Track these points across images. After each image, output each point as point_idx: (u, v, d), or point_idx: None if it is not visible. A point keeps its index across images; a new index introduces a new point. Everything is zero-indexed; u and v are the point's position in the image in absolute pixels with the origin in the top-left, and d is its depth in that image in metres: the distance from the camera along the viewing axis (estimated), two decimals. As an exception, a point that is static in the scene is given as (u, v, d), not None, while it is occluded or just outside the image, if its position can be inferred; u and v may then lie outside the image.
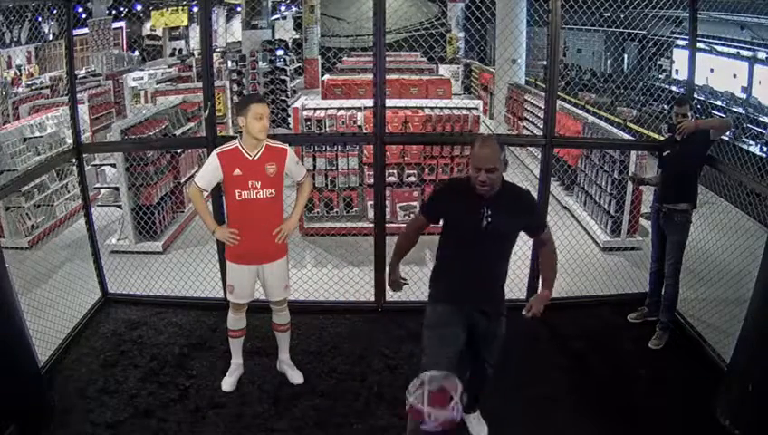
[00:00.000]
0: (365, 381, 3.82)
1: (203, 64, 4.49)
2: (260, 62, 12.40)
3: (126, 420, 3.44)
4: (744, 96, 11.80)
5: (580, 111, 8.03)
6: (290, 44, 18.28)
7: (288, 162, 3.44)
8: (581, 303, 4.77)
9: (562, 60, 15.74)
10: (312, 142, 6.18)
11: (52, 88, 11.17)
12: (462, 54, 19.36)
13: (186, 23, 19.37)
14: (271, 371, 3.87)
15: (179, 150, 6.71)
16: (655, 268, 4.40)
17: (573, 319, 4.58)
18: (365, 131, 6.06)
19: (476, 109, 6.47)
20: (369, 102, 4.53)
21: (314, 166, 6.30)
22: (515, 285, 4.06)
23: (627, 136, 6.72)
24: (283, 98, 12.38)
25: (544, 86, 4.60)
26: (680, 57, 12.56)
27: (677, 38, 11.62)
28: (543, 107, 4.49)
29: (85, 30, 13.84)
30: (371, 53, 4.41)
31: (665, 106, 10.37)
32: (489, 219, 2.75)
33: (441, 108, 6.49)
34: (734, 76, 12.16)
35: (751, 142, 10.06)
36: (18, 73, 16.08)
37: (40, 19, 16.41)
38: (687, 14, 4.56)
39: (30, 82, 14.23)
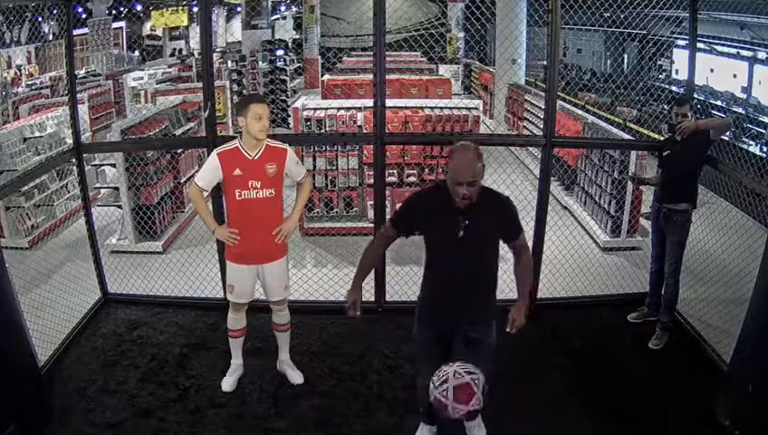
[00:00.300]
0: (365, 381, 3.82)
1: (203, 64, 4.49)
2: (260, 62, 12.40)
3: (126, 420, 3.44)
4: (744, 96, 11.79)
5: (580, 111, 8.04)
6: (290, 44, 18.27)
7: (288, 162, 3.44)
8: (581, 303, 4.77)
9: (562, 60, 15.74)
10: (312, 142, 6.18)
11: (52, 88, 11.17)
12: (462, 54, 19.36)
13: (186, 23, 19.38)
14: (271, 371, 3.87)
15: (179, 150, 6.71)
16: (655, 268, 4.40)
17: (573, 319, 4.59)
18: (365, 131, 6.06)
19: (476, 109, 6.47)
20: (369, 102, 4.53)
21: (314, 166, 6.30)
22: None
23: (627, 136, 6.72)
24: (283, 98, 12.38)
25: (544, 86, 4.60)
26: (680, 57, 12.54)
27: (677, 38, 11.61)
28: (543, 107, 4.49)
29: (85, 30, 13.82)
30: (371, 52, 4.41)
31: (665, 106, 10.37)
32: (466, 230, 2.66)
33: (441, 108, 6.49)
34: (734, 76, 12.15)
35: (751, 142, 10.05)
36: (18, 73, 16.08)
37: (40, 19, 16.41)
38: (687, 14, 4.56)
39: (30, 82, 14.24)
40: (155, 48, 22.61)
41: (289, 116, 11.28)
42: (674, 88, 11.64)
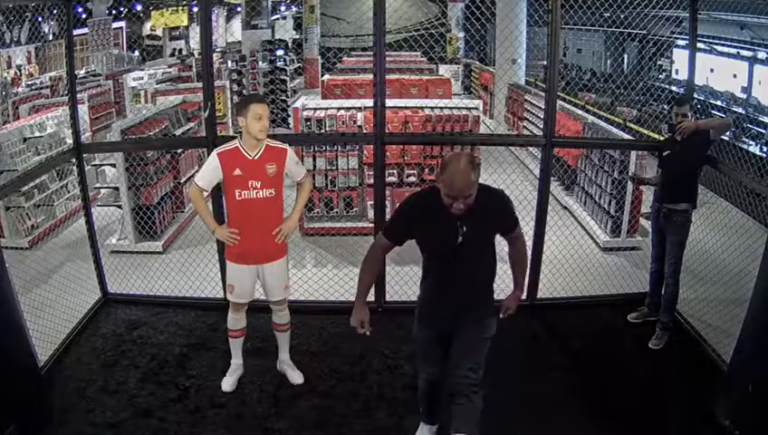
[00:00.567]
0: (365, 381, 3.82)
1: (203, 64, 4.49)
2: (260, 62, 12.41)
3: (126, 420, 3.44)
4: (744, 96, 11.79)
5: (580, 111, 8.04)
6: (290, 44, 18.27)
7: (288, 162, 3.44)
8: (581, 303, 4.77)
9: (562, 60, 15.74)
10: (312, 142, 6.18)
11: (52, 88, 11.17)
12: (462, 54, 19.36)
13: (186, 23, 19.38)
14: (271, 371, 3.87)
15: (179, 150, 6.71)
16: (655, 268, 4.40)
17: (573, 319, 4.59)
18: (365, 131, 6.06)
19: (476, 109, 6.47)
20: (369, 102, 4.53)
21: (314, 166, 6.30)
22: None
23: (627, 136, 6.72)
24: (283, 98, 12.38)
25: (544, 86, 4.60)
26: (680, 57, 12.55)
27: (677, 38, 11.61)
28: (543, 107, 4.49)
29: (85, 30, 13.83)
30: (371, 52, 4.41)
31: (665, 106, 10.37)
32: (464, 236, 2.62)
33: (441, 108, 6.49)
34: (734, 76, 12.15)
35: (751, 142, 10.05)
36: (18, 73, 16.08)
37: (40, 19, 16.41)
38: (687, 14, 4.56)
39: (30, 82, 14.24)
40: (155, 48, 22.62)
41: (289, 116, 11.28)
42: (674, 88, 11.64)
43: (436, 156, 6.30)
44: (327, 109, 6.49)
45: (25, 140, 6.59)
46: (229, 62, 14.75)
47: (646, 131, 9.31)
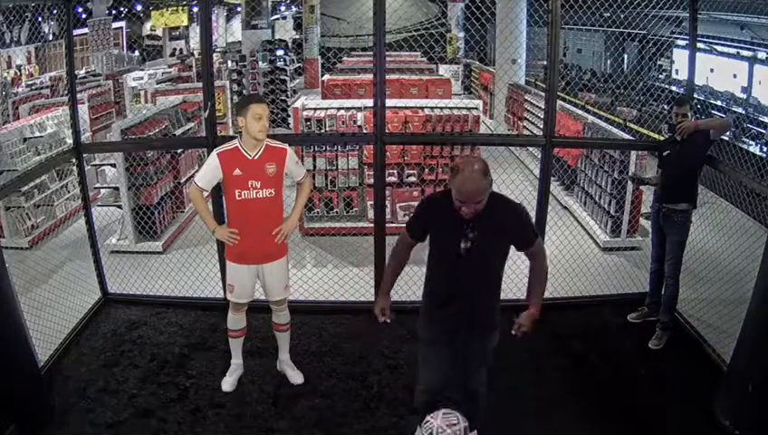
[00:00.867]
0: (365, 381, 3.82)
1: (203, 64, 4.49)
2: (260, 62, 12.40)
3: (126, 420, 3.44)
4: (744, 96, 11.80)
5: (580, 111, 8.03)
6: (290, 44, 18.28)
7: (288, 162, 3.44)
8: (581, 303, 4.77)
9: (562, 60, 15.75)
10: (312, 142, 6.18)
11: (52, 88, 11.16)
12: (462, 54, 19.37)
13: (186, 23, 19.38)
14: (271, 371, 3.87)
15: (179, 150, 6.71)
16: (655, 268, 4.40)
17: (573, 319, 4.59)
18: (365, 131, 6.05)
19: (476, 109, 6.47)
20: (369, 102, 4.53)
21: (314, 166, 6.30)
22: (515, 285, 4.06)
23: (627, 136, 6.72)
24: (283, 98, 12.38)
25: (544, 86, 4.60)
26: (680, 57, 12.55)
27: (677, 38, 11.62)
28: (543, 107, 4.49)
29: (85, 30, 13.84)
30: (371, 53, 4.41)
31: (665, 106, 10.37)
32: (471, 241, 2.61)
33: (441, 108, 6.49)
34: (734, 76, 12.15)
35: (751, 142, 10.06)
36: (18, 73, 16.08)
37: (40, 19, 16.40)
38: (687, 14, 4.56)
39: (30, 82, 14.22)
40: (155, 48, 22.63)
41: (289, 116, 11.28)
42: (674, 88, 11.64)
43: (436, 156, 6.31)
44: (327, 109, 6.49)
45: (25, 140, 6.59)
46: (229, 62, 14.74)
47: (646, 131, 9.31)
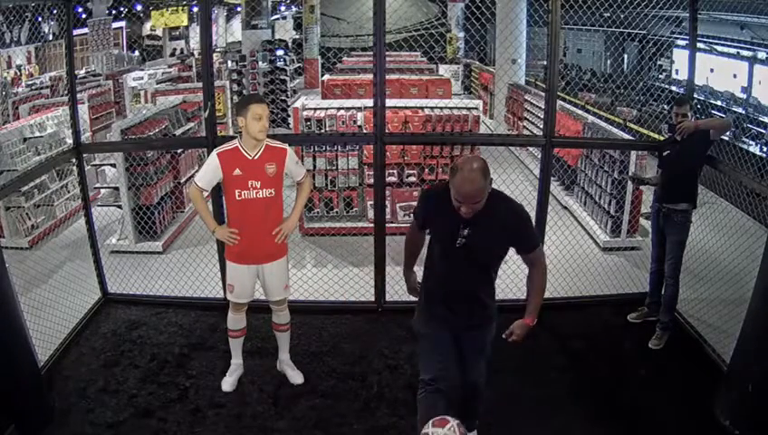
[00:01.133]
0: (365, 381, 3.82)
1: (203, 64, 4.49)
2: (260, 62, 12.40)
3: (126, 420, 3.44)
4: (744, 96, 11.80)
5: (580, 111, 8.03)
6: (290, 44, 18.28)
7: (288, 162, 3.44)
8: (581, 303, 4.77)
9: (562, 60, 15.75)
10: (312, 142, 6.18)
11: (52, 88, 11.15)
12: (462, 54, 19.37)
13: (186, 23, 19.39)
14: (271, 371, 3.87)
15: (179, 150, 6.71)
16: (655, 268, 4.40)
17: (573, 319, 4.59)
18: (365, 131, 6.06)
19: (476, 109, 6.47)
20: (369, 102, 4.53)
21: (314, 166, 6.30)
22: (515, 285, 4.06)
23: (627, 136, 6.72)
24: (283, 98, 12.38)
25: (544, 86, 4.60)
26: (680, 57, 12.56)
27: (677, 38, 11.62)
28: (543, 107, 4.49)
29: (85, 30, 13.84)
30: (371, 53, 4.41)
31: (665, 106, 10.37)
32: (465, 238, 2.60)
33: (441, 108, 6.49)
34: (734, 76, 12.16)
35: (751, 142, 10.06)
36: (18, 73, 16.08)
37: (40, 19, 16.40)
38: (687, 14, 4.56)
39: (30, 82, 14.22)
40: (155, 48, 22.63)
41: (289, 116, 11.28)
42: (674, 88, 11.65)
43: (436, 156, 6.31)
44: (327, 109, 6.49)
45: (25, 140, 6.59)
46: (229, 62, 14.74)
47: (646, 131, 9.31)
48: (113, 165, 6.14)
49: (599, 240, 6.19)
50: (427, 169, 6.32)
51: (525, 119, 9.89)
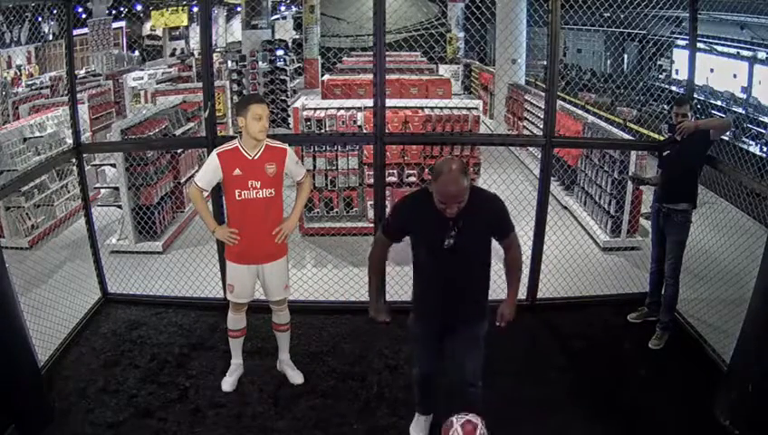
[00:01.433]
0: (365, 381, 3.82)
1: (203, 64, 4.49)
2: (260, 62, 12.41)
3: (126, 420, 3.44)
4: (744, 96, 11.80)
5: (580, 111, 8.04)
6: (290, 44, 18.29)
7: (288, 162, 3.44)
8: (581, 303, 4.77)
9: (562, 60, 15.75)
10: (312, 142, 6.18)
11: (52, 88, 11.16)
12: (462, 54, 19.37)
13: (186, 23, 19.39)
14: (271, 371, 3.87)
15: (179, 150, 6.71)
16: (655, 268, 4.40)
17: (573, 319, 4.58)
18: (365, 131, 6.05)
19: (476, 109, 6.47)
20: (369, 102, 4.53)
21: (314, 166, 6.30)
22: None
23: (627, 136, 6.72)
24: (283, 98, 12.38)
25: (544, 86, 4.60)
26: (680, 57, 12.56)
27: (677, 38, 11.62)
28: (543, 107, 4.49)
29: (85, 30, 13.84)
30: (371, 53, 4.41)
31: (665, 106, 10.37)
32: (455, 237, 2.67)
33: (441, 108, 6.49)
34: (734, 76, 12.16)
35: (751, 142, 10.06)
36: (18, 73, 16.08)
37: (40, 19, 16.41)
38: (687, 14, 4.56)
39: (30, 82, 14.22)
40: (155, 48, 22.63)
41: (289, 116, 11.28)
42: (674, 88, 11.65)
43: (436, 156, 6.29)
44: (327, 109, 6.49)
45: (25, 140, 6.59)
46: (229, 62, 14.75)
47: (646, 131, 9.31)
48: (113, 165, 6.14)
49: (599, 240, 6.19)
50: (427, 169, 6.31)
51: (525, 119, 9.89)
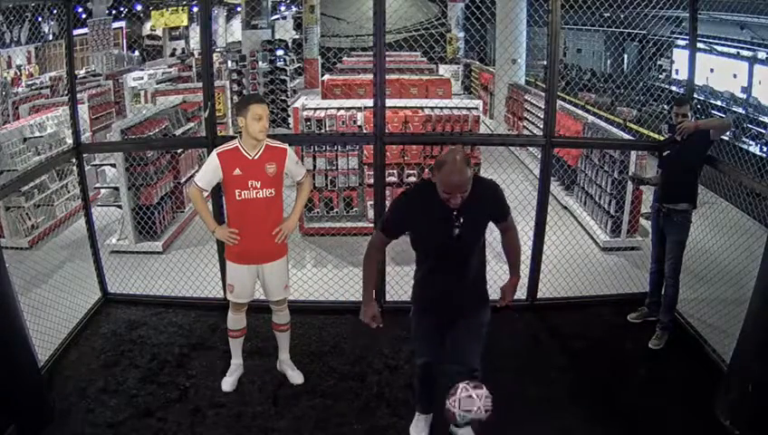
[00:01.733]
0: (365, 381, 3.82)
1: (203, 64, 4.49)
2: (260, 62, 12.41)
3: (126, 420, 3.44)
4: (744, 96, 11.80)
5: (580, 111, 8.04)
6: (290, 44, 18.28)
7: (288, 162, 3.44)
8: (581, 303, 4.77)
9: (562, 60, 15.75)
10: (312, 142, 6.18)
11: (52, 88, 11.16)
12: (462, 54, 19.37)
13: (186, 23, 19.39)
14: (271, 371, 3.87)
15: (179, 150, 6.71)
16: (655, 268, 4.40)
17: (573, 319, 4.58)
18: (365, 131, 6.06)
19: (476, 109, 6.47)
20: (369, 102, 4.53)
21: (314, 166, 6.30)
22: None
23: (627, 136, 6.72)
24: (283, 98, 12.38)
25: (544, 86, 4.60)
26: (680, 57, 12.56)
27: (677, 38, 11.62)
28: (543, 107, 4.49)
29: (85, 30, 13.83)
30: (371, 53, 4.41)
31: (665, 106, 10.37)
32: (460, 227, 2.70)
33: (441, 108, 6.49)
34: (734, 76, 12.16)
35: (751, 142, 10.06)
36: (18, 73, 16.08)
37: (40, 19, 16.41)
38: (687, 14, 4.56)
39: (30, 82, 14.23)
40: (155, 48, 22.63)
41: (289, 116, 11.28)
42: (674, 88, 11.65)
43: (436, 156, 6.28)
44: (327, 109, 6.49)
45: (25, 140, 6.59)
46: (229, 62, 14.75)
47: (646, 131, 9.31)
48: (113, 165, 6.14)
49: (599, 240, 6.19)
50: (426, 169, 6.31)
51: (525, 119, 9.89)
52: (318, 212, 6.51)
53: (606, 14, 8.19)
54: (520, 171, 8.14)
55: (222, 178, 3.38)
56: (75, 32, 4.67)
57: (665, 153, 4.25)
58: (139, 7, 19.11)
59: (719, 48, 12.42)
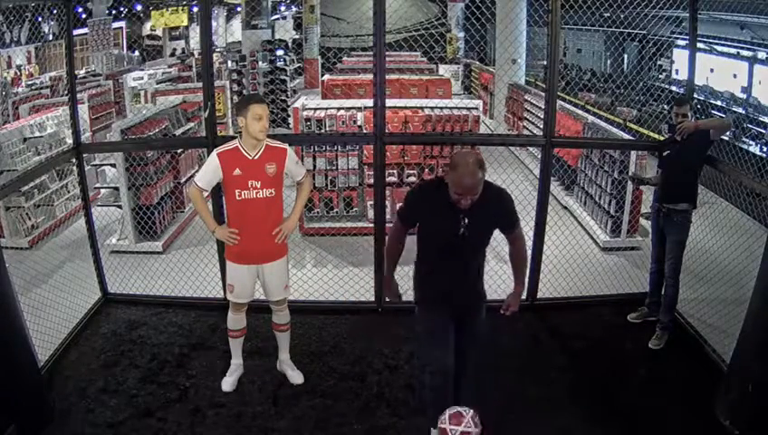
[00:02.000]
0: (365, 381, 3.82)
1: (203, 64, 4.49)
2: (260, 62, 12.41)
3: (126, 420, 3.44)
4: (744, 96, 11.80)
5: (580, 111, 8.03)
6: (290, 44, 18.28)
7: (288, 162, 3.44)
8: (581, 303, 4.77)
9: (562, 60, 15.75)
10: (312, 142, 6.18)
11: (52, 88, 11.16)
12: (462, 54, 19.37)
13: (186, 23, 19.39)
14: (271, 371, 3.87)
15: (179, 150, 6.71)
16: (655, 268, 4.40)
17: (573, 319, 4.58)
18: (365, 131, 6.06)
19: (476, 109, 6.47)
20: (369, 102, 4.53)
21: (314, 166, 6.30)
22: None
23: (627, 136, 6.72)
24: (283, 98, 12.38)
25: (544, 86, 4.60)
26: (680, 57, 12.56)
27: (677, 38, 11.62)
28: (543, 107, 4.49)
29: (85, 30, 13.83)
30: (371, 53, 4.41)
31: (665, 106, 10.37)
32: (466, 228, 2.77)
33: (441, 108, 6.49)
34: (734, 76, 12.15)
35: (751, 142, 10.06)
36: (18, 73, 16.08)
37: (40, 19, 16.41)
38: (687, 14, 4.56)
39: (30, 82, 14.23)
40: (155, 48, 22.64)
41: (289, 116, 11.28)
42: (674, 88, 11.65)
43: (436, 156, 6.31)
44: (327, 109, 6.49)
45: (25, 140, 6.59)
46: (229, 62, 14.75)
47: (646, 131, 9.31)
48: (113, 165, 6.14)
49: (599, 240, 6.19)
50: (427, 169, 6.32)
51: (525, 119, 9.89)
52: (318, 212, 6.51)
53: (606, 14, 8.19)
54: (520, 171, 8.13)
55: (222, 178, 3.38)
56: (75, 32, 4.67)
57: (665, 153, 4.25)
58: (139, 7, 19.12)
59: (719, 48, 12.42)
